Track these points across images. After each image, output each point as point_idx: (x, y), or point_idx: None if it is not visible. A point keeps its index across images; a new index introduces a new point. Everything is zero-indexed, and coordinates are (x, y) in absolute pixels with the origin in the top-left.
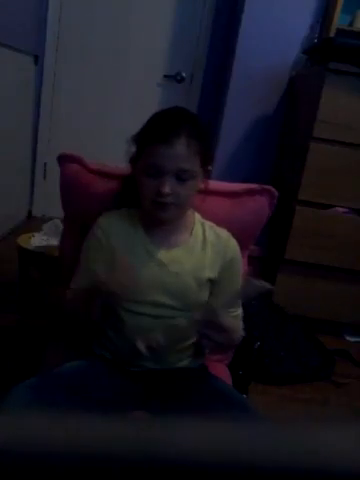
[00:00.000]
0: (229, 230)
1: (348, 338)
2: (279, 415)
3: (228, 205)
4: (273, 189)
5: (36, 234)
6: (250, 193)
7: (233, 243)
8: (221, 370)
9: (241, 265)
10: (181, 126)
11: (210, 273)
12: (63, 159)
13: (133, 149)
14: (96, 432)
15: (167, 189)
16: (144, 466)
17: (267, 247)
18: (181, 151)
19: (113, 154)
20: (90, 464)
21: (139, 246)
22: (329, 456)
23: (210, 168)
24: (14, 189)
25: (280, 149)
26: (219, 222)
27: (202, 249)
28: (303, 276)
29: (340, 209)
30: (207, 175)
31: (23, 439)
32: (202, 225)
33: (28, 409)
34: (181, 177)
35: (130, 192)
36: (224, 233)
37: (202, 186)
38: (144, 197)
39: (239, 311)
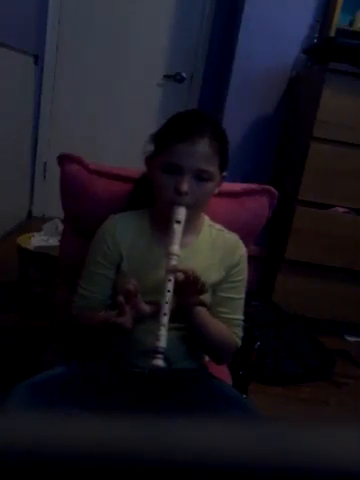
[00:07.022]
0: (229, 230)
1: (348, 338)
2: (279, 415)
3: (228, 205)
4: (273, 189)
5: (36, 234)
6: (250, 193)
7: (240, 249)
8: (221, 370)
9: (246, 272)
10: (204, 126)
11: (214, 277)
12: (63, 159)
13: (150, 148)
14: (96, 432)
15: (186, 187)
16: (144, 466)
17: (267, 247)
18: (203, 150)
19: (113, 154)
20: (90, 464)
21: (145, 247)
22: (329, 456)
23: (225, 174)
24: (14, 189)
25: (280, 149)
26: (219, 222)
27: (208, 252)
28: (303, 276)
29: (340, 209)
30: (222, 180)
31: (23, 439)
32: (210, 228)
33: (28, 409)
34: (200, 177)
35: (143, 193)
36: (232, 237)
37: (217, 191)
38: (160, 195)
39: (236, 316)
